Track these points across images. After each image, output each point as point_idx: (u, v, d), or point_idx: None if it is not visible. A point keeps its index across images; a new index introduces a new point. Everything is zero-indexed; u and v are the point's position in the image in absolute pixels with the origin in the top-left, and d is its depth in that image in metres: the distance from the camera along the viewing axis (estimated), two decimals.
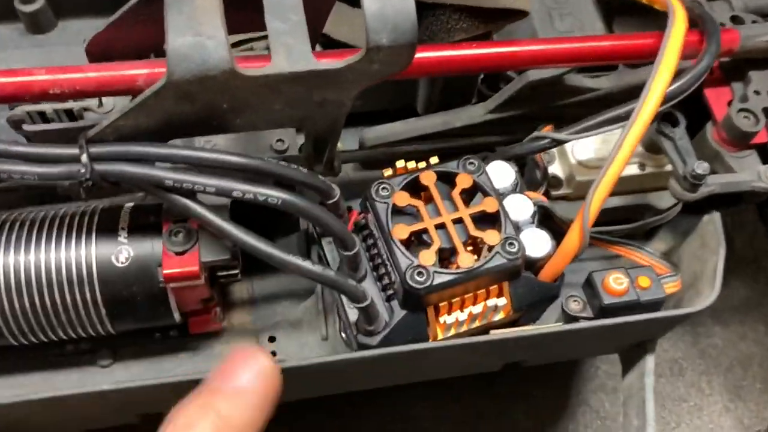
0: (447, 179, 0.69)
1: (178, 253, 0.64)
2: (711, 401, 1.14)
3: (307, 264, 0.61)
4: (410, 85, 0.87)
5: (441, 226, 0.66)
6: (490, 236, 0.65)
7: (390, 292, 0.66)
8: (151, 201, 0.69)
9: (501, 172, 0.71)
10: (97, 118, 0.69)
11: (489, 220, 0.68)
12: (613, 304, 0.69)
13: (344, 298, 0.66)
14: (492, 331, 0.68)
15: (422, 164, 0.70)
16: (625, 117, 0.68)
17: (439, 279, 0.63)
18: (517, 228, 0.68)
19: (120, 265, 0.65)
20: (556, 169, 0.82)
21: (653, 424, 0.71)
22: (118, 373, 0.75)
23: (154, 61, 0.64)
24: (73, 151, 0.58)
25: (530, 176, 0.82)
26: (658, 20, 0.78)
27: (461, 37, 0.75)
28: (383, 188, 0.68)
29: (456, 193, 0.68)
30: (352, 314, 0.67)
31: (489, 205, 0.67)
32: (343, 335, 0.73)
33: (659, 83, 0.67)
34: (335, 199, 0.64)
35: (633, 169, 0.80)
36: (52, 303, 0.65)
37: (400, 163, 0.69)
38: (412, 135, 0.84)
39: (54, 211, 0.68)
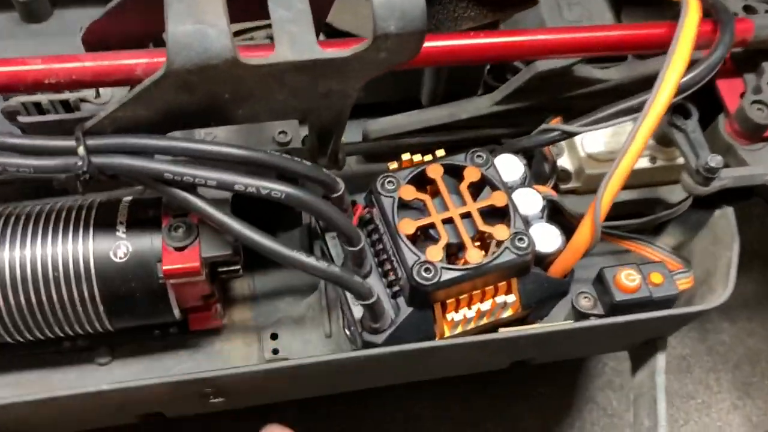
0: (454, 172, 0.68)
1: (178, 249, 0.63)
2: (719, 398, 1.13)
3: (311, 260, 0.59)
4: (415, 76, 0.85)
5: (448, 221, 0.65)
6: (499, 231, 0.64)
7: (396, 288, 0.65)
8: (150, 195, 0.68)
9: (509, 166, 0.69)
10: (95, 109, 0.68)
11: (497, 215, 0.66)
12: (624, 301, 0.67)
13: (349, 295, 0.65)
14: (501, 329, 0.66)
15: (428, 157, 0.68)
16: (638, 109, 0.67)
17: (447, 275, 0.62)
18: (527, 222, 0.66)
19: (118, 260, 0.64)
20: (564, 162, 0.81)
21: (665, 424, 0.69)
22: (116, 372, 0.73)
23: (153, 50, 0.63)
24: (70, 143, 0.57)
25: (538, 169, 0.80)
26: (667, 10, 0.76)
27: (468, 26, 0.73)
28: (389, 182, 0.66)
29: (464, 186, 0.66)
30: (357, 311, 0.65)
31: (498, 199, 0.66)
32: (347, 332, 0.72)
33: (673, 74, 0.65)
34: (340, 193, 0.62)
35: (644, 162, 0.79)
36: (49, 299, 0.64)
37: (405, 156, 0.68)
38: (416, 127, 0.82)
39: (50, 205, 0.67)
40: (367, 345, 0.64)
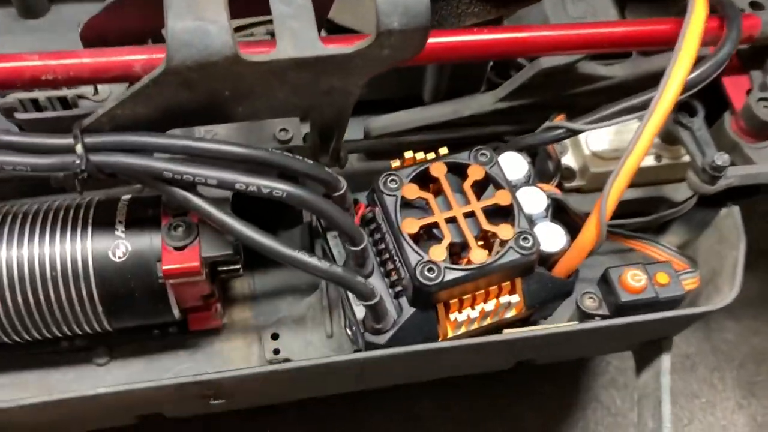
0: (458, 171, 0.67)
1: (177, 248, 0.62)
2: (723, 397, 1.12)
3: (313, 260, 0.58)
4: (417, 73, 0.84)
5: (451, 220, 0.64)
6: (504, 230, 0.63)
7: (398, 288, 0.64)
8: (150, 193, 0.67)
9: (513, 164, 0.68)
10: (93, 106, 0.67)
11: (501, 214, 0.65)
12: (630, 302, 0.66)
13: (351, 295, 0.64)
14: (505, 331, 0.65)
15: (431, 155, 0.67)
16: (643, 106, 0.66)
17: (451, 275, 0.61)
18: (531, 222, 0.65)
19: (117, 260, 0.63)
20: (569, 160, 0.80)
21: (669, 426, 0.69)
22: (115, 372, 0.73)
23: (152, 46, 0.62)
24: (68, 141, 0.56)
25: (541, 167, 0.79)
26: (672, 6, 0.75)
27: (472, 22, 0.72)
28: (391, 180, 0.65)
29: (467, 185, 0.65)
30: (359, 312, 0.64)
31: (502, 198, 0.65)
32: (349, 332, 0.71)
33: (679, 71, 0.64)
34: (342, 192, 0.61)
35: (649, 161, 0.78)
36: (47, 299, 0.63)
37: (408, 154, 0.67)
38: (419, 124, 0.82)
39: (48, 204, 0.66)
40: (370, 346, 0.63)
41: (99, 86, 0.68)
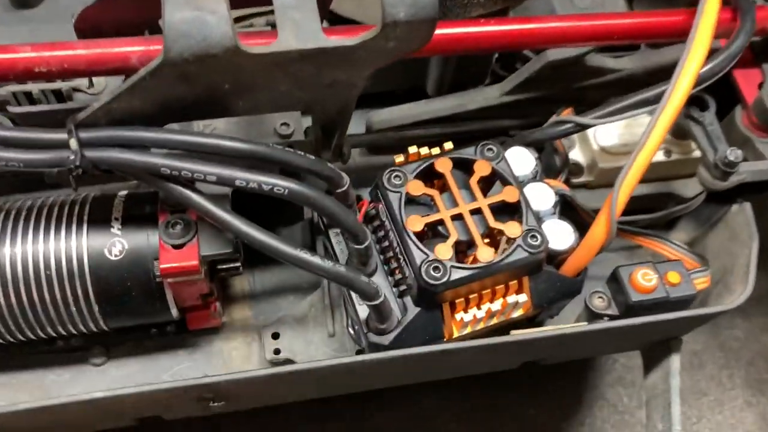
0: (464, 166, 0.65)
1: (175, 246, 0.60)
2: (732, 395, 1.11)
3: (315, 259, 0.57)
4: (421, 65, 0.83)
5: (457, 217, 0.62)
6: (511, 228, 0.61)
7: (403, 287, 0.62)
8: (147, 189, 0.65)
9: (520, 159, 0.67)
10: (88, 99, 0.65)
11: (508, 211, 0.64)
12: (641, 302, 0.65)
13: (354, 294, 0.62)
14: (513, 332, 0.64)
15: (436, 150, 0.65)
16: (654, 100, 0.65)
17: (457, 274, 0.59)
18: (539, 219, 0.64)
19: (113, 258, 0.61)
20: (576, 155, 0.79)
21: (679, 428, 0.67)
22: (112, 372, 0.71)
23: (149, 37, 0.60)
24: (62, 135, 0.54)
25: (548, 162, 0.78)
26: None
27: (478, 12, 0.71)
28: (396, 176, 0.63)
29: (474, 181, 0.64)
30: (362, 311, 0.62)
31: (509, 194, 0.63)
32: (351, 331, 0.69)
33: (692, 64, 0.62)
34: (344, 188, 0.60)
35: (659, 156, 0.77)
36: (41, 299, 0.61)
37: (412, 149, 0.65)
38: (423, 118, 0.80)
39: (42, 200, 0.64)
40: (373, 347, 0.61)
41: (94, 79, 0.66)
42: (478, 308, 0.63)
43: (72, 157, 0.53)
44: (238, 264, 0.65)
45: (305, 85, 0.56)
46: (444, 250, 0.60)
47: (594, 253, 0.63)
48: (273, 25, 0.72)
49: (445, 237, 0.61)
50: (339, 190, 0.60)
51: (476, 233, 0.62)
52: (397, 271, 0.62)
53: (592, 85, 0.79)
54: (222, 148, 0.55)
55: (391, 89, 0.84)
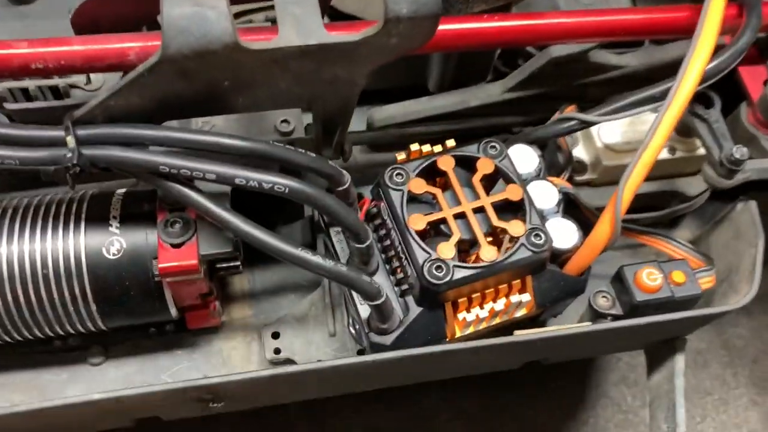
0: (466, 164, 0.64)
1: (174, 245, 0.60)
2: (736, 394, 1.10)
3: (316, 258, 0.56)
4: (422, 61, 0.82)
5: (460, 216, 0.62)
6: (515, 227, 0.61)
7: (404, 287, 0.61)
8: (145, 187, 0.64)
9: (524, 157, 0.66)
10: (85, 96, 0.64)
11: (511, 209, 0.63)
12: (645, 302, 0.64)
13: (355, 294, 0.62)
14: (516, 332, 0.63)
15: (438, 147, 0.65)
16: (659, 97, 0.64)
17: (460, 273, 0.59)
18: (542, 217, 0.63)
19: (111, 257, 0.60)
20: (580, 152, 0.78)
21: (684, 429, 0.66)
22: (110, 372, 0.70)
23: (147, 33, 0.60)
24: (59, 133, 0.53)
25: (551, 160, 0.76)
26: None
27: (480, 8, 0.70)
28: (397, 174, 0.63)
29: (476, 179, 0.63)
30: (364, 311, 0.62)
31: (513, 192, 0.62)
32: (352, 330, 0.68)
33: (698, 61, 0.62)
34: (346, 186, 0.59)
35: (663, 153, 0.76)
36: (38, 298, 0.60)
37: (414, 147, 0.64)
38: (424, 115, 0.79)
39: (38, 198, 0.63)
40: (375, 347, 0.61)
41: (92, 75, 0.65)
42: (481, 308, 0.62)
43: (69, 154, 0.53)
44: (237, 263, 0.65)
45: (306, 81, 0.55)
46: (446, 249, 0.59)
47: (598, 252, 0.63)
48: (273, 21, 0.71)
49: (447, 236, 0.61)
50: (340, 188, 0.59)
51: (479, 232, 0.61)
52: (398, 271, 0.62)
53: (595, 81, 0.78)
54: (221, 146, 0.54)
55: (392, 86, 0.83)
